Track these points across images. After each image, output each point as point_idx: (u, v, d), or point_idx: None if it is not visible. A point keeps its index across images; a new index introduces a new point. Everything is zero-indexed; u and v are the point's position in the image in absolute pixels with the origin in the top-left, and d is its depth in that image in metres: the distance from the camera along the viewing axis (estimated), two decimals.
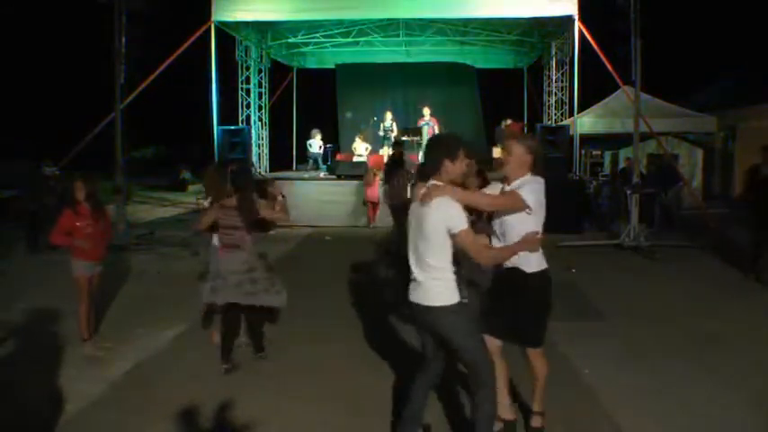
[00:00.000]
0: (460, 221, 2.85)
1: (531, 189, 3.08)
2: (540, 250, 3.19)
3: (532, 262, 3.16)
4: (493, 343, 3.27)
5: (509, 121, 14.42)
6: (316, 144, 14.60)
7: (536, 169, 3.24)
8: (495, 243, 3.24)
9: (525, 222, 3.08)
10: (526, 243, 3.03)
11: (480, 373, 2.95)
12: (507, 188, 3.21)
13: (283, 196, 4.78)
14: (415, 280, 3.00)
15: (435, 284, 2.92)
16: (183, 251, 9.58)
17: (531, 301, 3.20)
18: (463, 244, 2.86)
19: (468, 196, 3.02)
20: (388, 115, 14.17)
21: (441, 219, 2.86)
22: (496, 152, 14.49)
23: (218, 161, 9.90)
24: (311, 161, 14.77)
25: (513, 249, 3.08)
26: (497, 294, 3.31)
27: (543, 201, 3.11)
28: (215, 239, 4.89)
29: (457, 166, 2.98)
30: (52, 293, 6.27)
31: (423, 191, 2.95)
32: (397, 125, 14.15)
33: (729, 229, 10.22)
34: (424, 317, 2.98)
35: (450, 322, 2.93)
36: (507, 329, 3.26)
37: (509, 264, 3.16)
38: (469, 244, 2.86)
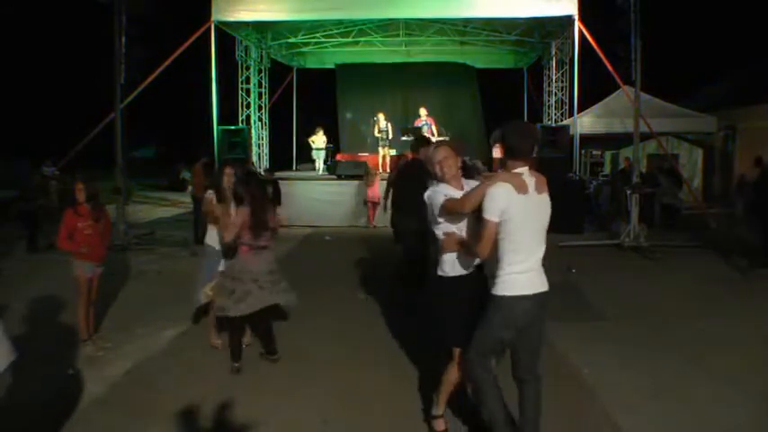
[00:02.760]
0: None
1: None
2: (455, 255, 3.18)
3: (443, 264, 3.25)
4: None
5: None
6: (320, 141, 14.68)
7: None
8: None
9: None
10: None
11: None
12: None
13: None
14: (531, 270, 2.96)
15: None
16: (183, 251, 9.58)
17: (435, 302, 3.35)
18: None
19: None
20: (381, 116, 14.11)
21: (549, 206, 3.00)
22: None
23: (222, 161, 9.70)
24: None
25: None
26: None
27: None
28: (209, 239, 4.88)
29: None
30: (52, 293, 6.27)
31: (541, 178, 2.99)
32: (392, 125, 14.12)
33: (729, 228, 10.23)
34: (545, 303, 3.02)
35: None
36: None
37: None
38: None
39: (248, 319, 4.51)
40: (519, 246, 2.90)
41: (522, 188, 2.87)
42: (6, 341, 2.32)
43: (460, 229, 3.17)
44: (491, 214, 2.85)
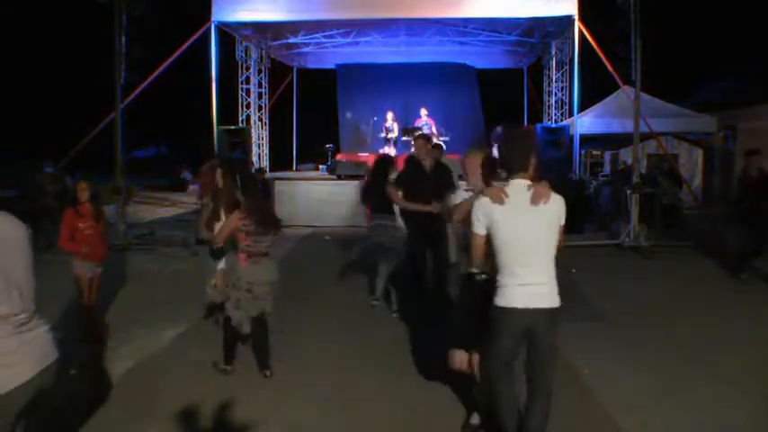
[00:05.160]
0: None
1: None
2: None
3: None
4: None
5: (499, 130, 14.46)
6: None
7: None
8: None
9: None
10: None
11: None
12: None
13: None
14: (533, 284, 2.84)
15: (555, 285, 2.90)
16: (183, 251, 9.58)
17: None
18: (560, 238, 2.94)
19: None
20: (390, 115, 14.16)
21: (557, 215, 2.88)
22: (496, 152, 14.51)
23: (224, 159, 9.50)
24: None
25: None
26: None
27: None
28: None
29: (535, 162, 2.95)
30: (51, 294, 6.25)
31: (539, 190, 2.84)
32: (398, 125, 14.15)
33: (729, 228, 10.21)
34: (552, 319, 2.88)
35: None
36: None
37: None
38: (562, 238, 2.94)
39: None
40: (508, 258, 2.84)
41: (498, 199, 2.83)
42: (50, 339, 2.39)
43: None
44: (475, 227, 2.89)
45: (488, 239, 2.88)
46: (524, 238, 2.83)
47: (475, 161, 3.38)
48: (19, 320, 2.19)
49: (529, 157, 2.88)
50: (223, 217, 4.57)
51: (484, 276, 3.07)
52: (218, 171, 4.84)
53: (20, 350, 2.18)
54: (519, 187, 2.86)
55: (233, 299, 4.19)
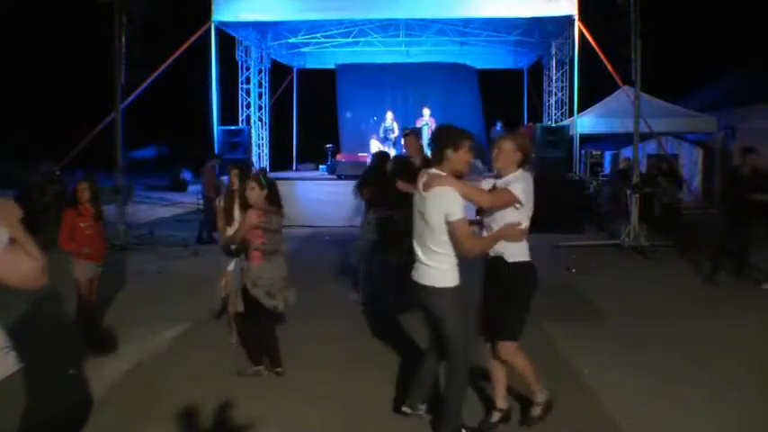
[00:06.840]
0: (457, 211, 2.97)
1: (522, 186, 3.19)
2: (525, 243, 3.28)
3: (514, 252, 3.24)
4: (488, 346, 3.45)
5: (498, 126, 14.51)
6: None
7: (526, 166, 3.37)
8: (484, 235, 3.35)
9: (511, 215, 3.20)
10: (506, 231, 3.17)
11: (454, 360, 3.17)
12: (499, 183, 3.31)
13: None
14: (419, 261, 3.17)
15: (436, 267, 3.09)
16: (184, 251, 9.58)
17: (507, 291, 3.27)
18: (454, 233, 2.99)
19: (469, 190, 3.10)
20: (389, 115, 14.18)
21: (440, 207, 2.99)
22: (495, 152, 14.51)
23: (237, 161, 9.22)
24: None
25: (494, 237, 3.22)
26: (485, 287, 3.39)
27: (531, 196, 3.22)
28: None
29: (459, 156, 3.09)
30: (51, 294, 6.26)
31: (424, 179, 3.10)
32: (398, 125, 14.16)
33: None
34: (422, 295, 3.16)
35: (443, 304, 3.10)
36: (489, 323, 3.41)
37: (493, 253, 3.27)
38: (460, 234, 2.98)
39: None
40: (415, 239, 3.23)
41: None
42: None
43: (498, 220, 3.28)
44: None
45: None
46: (417, 224, 3.17)
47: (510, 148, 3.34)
48: None
49: (443, 152, 3.09)
50: (237, 216, 4.60)
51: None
52: (233, 172, 4.85)
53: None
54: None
55: (262, 292, 4.10)
